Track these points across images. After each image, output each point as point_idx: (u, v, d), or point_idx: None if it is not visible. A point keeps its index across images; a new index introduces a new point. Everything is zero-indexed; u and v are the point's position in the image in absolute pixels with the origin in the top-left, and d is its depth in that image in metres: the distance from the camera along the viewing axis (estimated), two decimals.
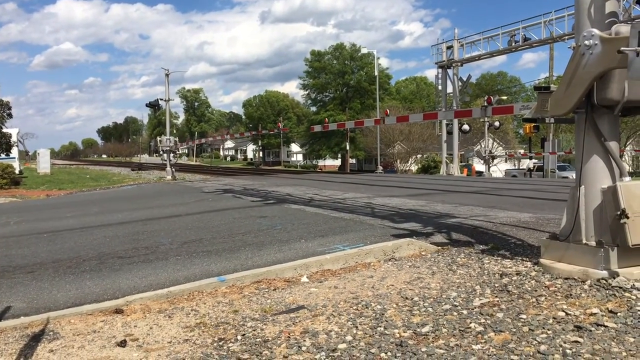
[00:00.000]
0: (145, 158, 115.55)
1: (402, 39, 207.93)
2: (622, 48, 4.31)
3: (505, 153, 55.32)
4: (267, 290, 5.25)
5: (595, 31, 4.70)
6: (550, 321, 3.84)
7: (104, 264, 6.85)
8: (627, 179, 4.92)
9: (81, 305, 4.99)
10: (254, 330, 4.02)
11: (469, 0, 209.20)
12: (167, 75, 34.21)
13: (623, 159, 54.24)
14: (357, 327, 3.96)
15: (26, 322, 4.47)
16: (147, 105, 35.74)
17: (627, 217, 4.61)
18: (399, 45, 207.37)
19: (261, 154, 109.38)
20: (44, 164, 48.55)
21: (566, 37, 26.56)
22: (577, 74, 4.85)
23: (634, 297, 4.24)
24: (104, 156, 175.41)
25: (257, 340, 3.81)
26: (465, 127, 34.27)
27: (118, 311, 4.69)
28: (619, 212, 4.65)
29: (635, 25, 4.29)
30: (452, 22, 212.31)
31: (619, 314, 3.89)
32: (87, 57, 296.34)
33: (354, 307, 4.45)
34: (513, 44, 30.01)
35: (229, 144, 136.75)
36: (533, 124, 29.52)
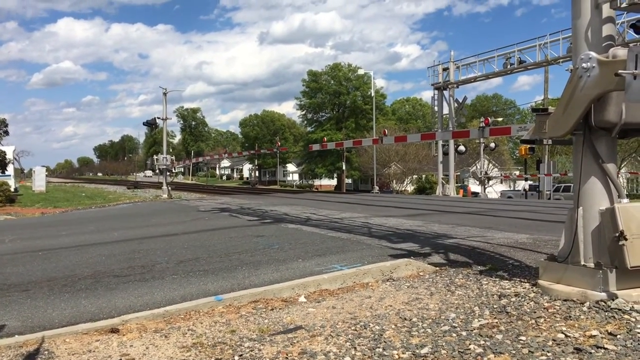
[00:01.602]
0: (141, 176, 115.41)
1: (399, 60, 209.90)
2: (620, 71, 4.36)
3: (501, 174, 55.44)
4: (264, 310, 5.22)
5: (593, 54, 4.76)
6: (550, 343, 3.82)
7: (99, 283, 6.80)
8: (625, 200, 4.93)
9: (76, 324, 4.93)
10: (252, 351, 3.98)
11: (466, 24, 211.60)
12: (164, 94, 34.34)
13: (618, 181, 54.41)
14: (355, 348, 3.93)
15: (21, 340, 4.42)
16: (144, 124, 35.85)
17: (626, 239, 4.61)
18: (396, 67, 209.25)
19: (257, 173, 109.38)
20: (39, 181, 48.34)
21: (561, 60, 26.81)
22: (575, 96, 4.89)
23: (634, 320, 4.22)
24: (99, 174, 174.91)
25: None
26: (461, 148, 34.43)
27: (114, 330, 4.64)
28: (617, 234, 4.65)
29: (633, 49, 4.34)
30: (449, 45, 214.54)
31: (618, 336, 3.87)
32: (86, 76, 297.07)
33: (353, 328, 4.42)
34: (508, 67, 30.26)
35: (225, 163, 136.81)
36: (529, 146, 29.66)
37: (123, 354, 4.03)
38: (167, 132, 36.51)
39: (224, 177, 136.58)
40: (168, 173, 34.90)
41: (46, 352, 4.13)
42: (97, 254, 9.29)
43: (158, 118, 34.51)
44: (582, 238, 5.04)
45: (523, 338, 3.95)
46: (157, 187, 44.46)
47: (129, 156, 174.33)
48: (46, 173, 55.35)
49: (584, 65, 4.78)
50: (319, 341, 4.13)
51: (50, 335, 4.54)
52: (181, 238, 11.29)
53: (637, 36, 21.56)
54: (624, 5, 4.86)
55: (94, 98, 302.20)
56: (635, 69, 4.22)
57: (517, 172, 55.50)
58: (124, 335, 4.54)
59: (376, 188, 48.46)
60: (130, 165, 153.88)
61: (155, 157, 34.98)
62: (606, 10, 4.99)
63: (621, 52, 4.64)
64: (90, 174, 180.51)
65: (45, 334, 4.56)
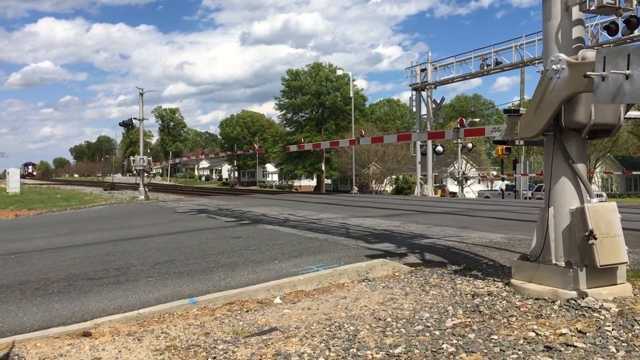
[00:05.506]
0: (118, 177, 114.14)
1: (380, 61, 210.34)
2: (588, 73, 4.43)
3: (478, 174, 56.02)
4: (239, 311, 5.20)
5: (563, 56, 4.83)
6: (521, 341, 3.87)
7: (72, 286, 6.71)
8: (595, 200, 5.01)
9: (48, 328, 4.87)
10: (226, 353, 3.96)
11: (447, 26, 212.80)
12: (141, 94, 34.00)
13: (593, 180, 55.45)
14: (329, 348, 3.94)
15: None
16: (120, 125, 35.37)
17: (595, 238, 4.69)
18: (378, 67, 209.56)
19: (236, 174, 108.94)
20: (13, 183, 47.41)
21: (536, 61, 27.09)
22: (546, 97, 4.96)
23: (603, 317, 4.30)
24: (75, 175, 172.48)
25: None
26: (439, 148, 34.65)
27: (86, 334, 4.59)
28: (587, 233, 4.73)
29: (601, 51, 4.41)
30: (430, 46, 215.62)
31: (587, 334, 3.94)
32: (65, 76, 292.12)
33: (327, 329, 4.43)
34: (485, 68, 30.55)
35: (204, 163, 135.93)
36: (505, 146, 29.98)
37: (95, 358, 3.98)
38: (144, 133, 36.17)
39: (203, 178, 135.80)
40: (145, 174, 34.54)
41: (16, 357, 4.07)
42: (71, 257, 9.17)
43: (135, 118, 34.13)
44: (553, 237, 5.11)
45: (495, 337, 3.99)
46: (134, 188, 43.99)
47: (106, 157, 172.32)
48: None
49: (554, 67, 4.85)
50: (294, 342, 4.13)
51: (21, 340, 4.47)
52: (157, 240, 11.20)
53: (610, 37, 21.98)
54: (592, 8, 4.94)
55: (73, 98, 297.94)
56: (603, 71, 4.30)
57: (494, 172, 56.14)
58: (96, 338, 4.49)
59: (355, 188, 48.56)
60: (107, 166, 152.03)
61: (132, 157, 34.62)
62: (576, 13, 5.07)
63: (590, 54, 4.72)
64: (67, 175, 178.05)
65: (16, 339, 4.50)
